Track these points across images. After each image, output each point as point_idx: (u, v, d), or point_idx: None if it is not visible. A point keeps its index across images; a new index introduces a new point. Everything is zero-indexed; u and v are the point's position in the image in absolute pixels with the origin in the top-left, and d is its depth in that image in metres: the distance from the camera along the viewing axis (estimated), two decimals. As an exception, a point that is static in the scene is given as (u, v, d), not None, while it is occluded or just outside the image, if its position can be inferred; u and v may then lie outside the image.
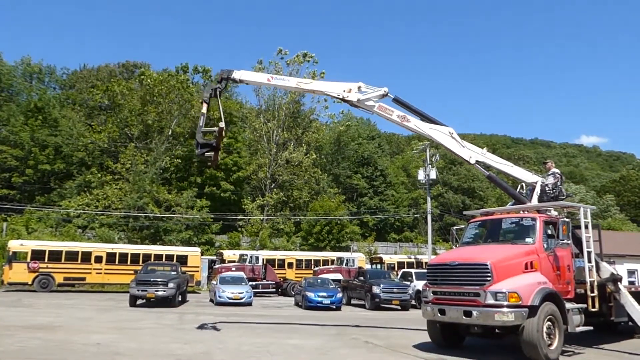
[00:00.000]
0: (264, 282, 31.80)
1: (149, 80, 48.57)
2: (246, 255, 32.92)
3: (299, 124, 54.35)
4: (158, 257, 31.59)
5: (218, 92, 14.00)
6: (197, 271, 33.82)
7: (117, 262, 31.25)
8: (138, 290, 21.12)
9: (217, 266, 32.99)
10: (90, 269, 30.63)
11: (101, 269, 30.87)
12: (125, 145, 47.83)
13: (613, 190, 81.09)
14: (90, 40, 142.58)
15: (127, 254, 31.96)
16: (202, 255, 36.48)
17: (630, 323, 12.10)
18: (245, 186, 53.26)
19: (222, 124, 13.14)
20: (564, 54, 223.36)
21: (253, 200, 49.22)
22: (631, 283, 32.38)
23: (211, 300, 25.02)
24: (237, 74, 14.10)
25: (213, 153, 13.67)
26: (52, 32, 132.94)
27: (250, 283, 26.90)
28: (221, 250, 37.97)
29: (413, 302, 23.11)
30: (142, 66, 60.29)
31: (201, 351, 10.19)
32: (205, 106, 14.08)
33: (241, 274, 27.58)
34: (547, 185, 12.45)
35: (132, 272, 26.78)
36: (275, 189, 50.68)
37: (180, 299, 22.75)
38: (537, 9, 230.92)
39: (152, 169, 45.18)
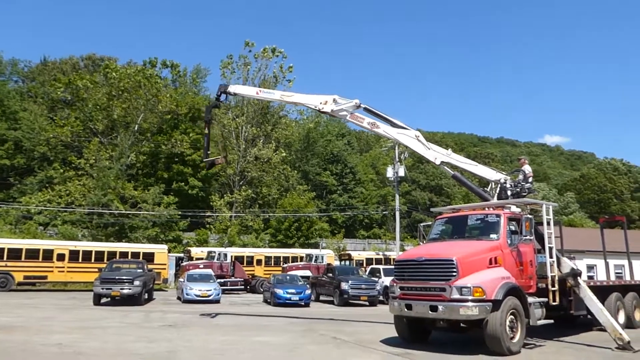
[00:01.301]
0: (233, 279, 31.59)
1: (114, 74, 47.49)
2: (214, 252, 32.64)
3: (268, 120, 54.10)
4: (123, 254, 30.91)
5: (217, 106, 16.68)
6: (164, 269, 33.28)
7: (80, 260, 30.43)
8: (102, 289, 20.63)
9: (184, 263, 32.58)
10: (52, 267, 29.74)
11: (64, 267, 30.01)
12: (89, 140, 46.68)
13: (574, 188, 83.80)
14: (54, 32, 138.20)
15: (90, 251, 31.19)
16: (169, 252, 35.95)
17: (588, 316, 12.47)
18: (213, 183, 52.75)
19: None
20: (529, 54, 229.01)
21: (221, 197, 48.77)
22: (590, 277, 33.50)
23: (178, 298, 24.69)
24: (231, 88, 16.25)
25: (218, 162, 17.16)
26: (14, 23, 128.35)
27: (219, 280, 26.69)
28: (189, 248, 37.56)
29: (381, 298, 23.30)
30: (108, 60, 58.84)
31: (167, 350, 10.03)
32: (206, 127, 16.26)
33: (209, 271, 27.31)
34: (506, 183, 12.90)
35: (97, 270, 26.19)
36: (244, 186, 50.35)
37: (146, 297, 22.37)
38: (502, 6, 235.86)
39: (117, 164, 44.22)
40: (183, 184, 49.11)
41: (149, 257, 31.27)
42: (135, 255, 30.94)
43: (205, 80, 66.64)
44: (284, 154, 51.99)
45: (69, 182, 42.90)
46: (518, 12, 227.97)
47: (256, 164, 50.86)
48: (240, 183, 50.81)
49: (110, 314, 17.30)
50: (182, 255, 37.32)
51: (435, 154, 13.56)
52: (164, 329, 13.44)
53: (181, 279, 26.31)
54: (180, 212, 44.30)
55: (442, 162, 13.57)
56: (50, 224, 40.52)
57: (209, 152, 16.46)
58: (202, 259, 32.57)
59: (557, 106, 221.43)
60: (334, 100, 14.02)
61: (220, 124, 53.40)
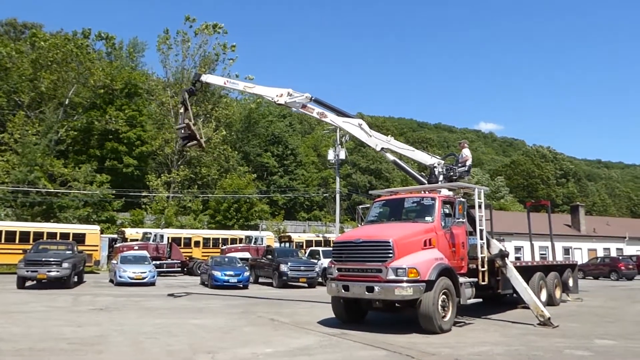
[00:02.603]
0: (169, 261, 30.88)
1: (42, 43, 44.49)
2: (150, 233, 31.72)
3: (208, 99, 52.80)
4: (52, 235, 29.38)
5: (192, 92, 17.22)
6: (96, 250, 31.95)
7: (3, 241, 28.70)
8: (27, 271, 19.52)
9: (118, 245, 31.46)
10: (-28, 248, 27.87)
11: (-16, 249, 28.18)
12: (13, 113, 43.56)
13: (505, 173, 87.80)
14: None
15: (15, 232, 29.46)
16: (102, 233, 34.55)
17: (514, 295, 13.20)
18: (150, 162, 51.03)
19: (187, 121, 16.45)
20: (466, 42, 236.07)
21: (159, 177, 47.28)
22: (518, 258, 35.47)
23: (111, 281, 23.86)
24: (204, 77, 17.42)
25: (195, 142, 16.82)
26: None
27: (154, 262, 26.00)
28: (123, 229, 36.21)
29: (320, 279, 23.55)
30: (34, 27, 55.00)
31: (96, 334, 9.63)
32: (182, 108, 16.81)
33: (144, 252, 26.51)
34: (437, 167, 13.56)
35: (21, 251, 24.73)
36: (182, 166, 49.04)
37: (76, 279, 21.42)
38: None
39: (45, 140, 41.69)
40: (117, 162, 47.12)
41: (80, 238, 29.88)
42: (65, 236, 29.46)
43: (143, 55, 63.75)
44: (224, 134, 50.98)
45: (-9, 158, 40.06)
46: (454, 4, 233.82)
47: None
48: (179, 163, 49.45)
49: (35, 297, 16.44)
50: (115, 236, 35.99)
51: (377, 141, 14.41)
52: (93, 313, 12.92)
53: (114, 261, 25.38)
54: (114, 192, 42.47)
55: (383, 149, 14.32)
56: (-30, 203, 37.80)
57: (186, 131, 16.68)
58: (137, 240, 31.56)
59: (492, 95, 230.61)
60: (289, 93, 14.94)
61: (158, 101, 51.55)
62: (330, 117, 14.93)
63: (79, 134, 46.79)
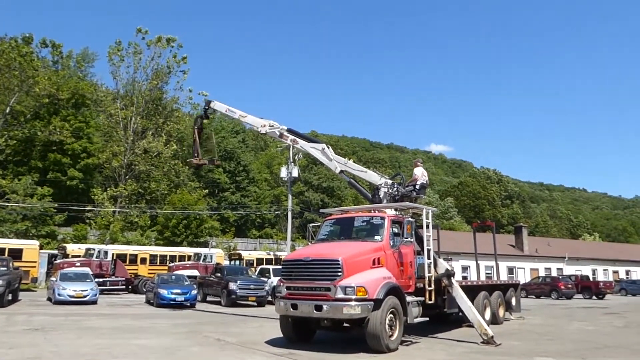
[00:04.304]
0: (113, 278, 29.73)
1: (-19, 49, 42.48)
2: (93, 249, 30.49)
3: (160, 112, 51.79)
4: (-15, 250, 27.73)
5: (206, 117, 20.10)
6: (34, 267, 30.42)
7: None
8: (-45, 289, 18.28)
9: (58, 261, 30.00)
10: None
11: None
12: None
13: (453, 194, 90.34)
14: None
15: (-57, 246, 27.61)
16: (41, 249, 32.93)
17: (460, 314, 13.47)
18: (96, 175, 49.32)
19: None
20: (416, 65, 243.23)
21: (105, 190, 45.65)
22: (464, 278, 36.42)
23: (49, 299, 22.70)
24: (212, 104, 19.30)
25: (205, 163, 20.78)
26: None
27: (97, 280, 24.97)
28: (64, 244, 34.61)
29: (270, 298, 23.27)
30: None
31: (31, 356, 9.09)
32: (196, 134, 19.61)
33: (86, 269, 25.45)
34: (381, 187, 13.97)
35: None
36: (130, 180, 47.61)
37: (10, 297, 20.25)
38: (400, 13, 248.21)
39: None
40: (61, 174, 45.23)
41: (17, 253, 28.41)
42: (0, 251, 27.90)
43: (93, 65, 61.75)
44: (175, 148, 50.01)
45: None
46: (410, 20, 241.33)
47: (145, 158, 48.35)
48: (127, 177, 48.00)
49: (-36, 317, 15.40)
50: (56, 252, 34.35)
51: (336, 164, 15.38)
52: (28, 333, 12.23)
53: (53, 278, 24.19)
54: (56, 205, 40.64)
55: (342, 171, 15.30)
56: None
57: (196, 156, 19.50)
58: (79, 256, 30.24)
59: (442, 117, 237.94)
60: (270, 124, 17.30)
61: (107, 113, 50.10)
62: (301, 144, 16.69)
63: (20, 144, 44.71)
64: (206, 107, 19.62)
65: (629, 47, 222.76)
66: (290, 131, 17.10)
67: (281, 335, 11.41)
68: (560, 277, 39.61)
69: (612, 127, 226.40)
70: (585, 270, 47.25)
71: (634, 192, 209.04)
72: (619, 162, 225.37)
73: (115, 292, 29.67)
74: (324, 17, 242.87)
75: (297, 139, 16.83)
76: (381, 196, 13.83)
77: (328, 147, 15.88)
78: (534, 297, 35.81)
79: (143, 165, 47.99)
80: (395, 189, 13.73)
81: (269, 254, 40.24)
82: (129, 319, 16.49)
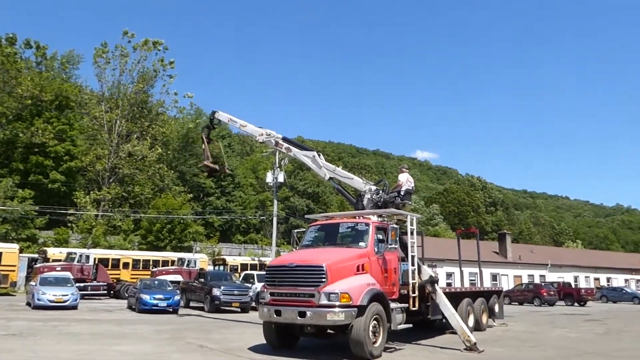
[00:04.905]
0: (94, 283, 29.31)
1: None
2: (75, 253, 30.01)
3: (145, 115, 51.37)
4: (-38, 254, 27.16)
5: (212, 127, 20.65)
6: (14, 271, 29.79)
7: None
8: None
9: (38, 265, 29.51)
10: None
11: None
12: None
13: (438, 201, 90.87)
14: None
15: None
16: (21, 252, 32.30)
17: (443, 320, 13.49)
18: (79, 178, 48.64)
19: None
20: (402, 71, 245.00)
21: (87, 194, 45.05)
22: (449, 284, 36.57)
23: (28, 304, 22.27)
24: (217, 114, 19.70)
25: (217, 172, 20.70)
26: None
27: (78, 284, 24.57)
28: (45, 248, 34.04)
29: (253, 304, 23.11)
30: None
31: (6, 363, 8.91)
32: (205, 141, 19.99)
33: (67, 274, 25.00)
34: (365, 193, 14.16)
35: None
36: (114, 183, 47.08)
37: (-12, 302, 19.84)
38: (387, 23, 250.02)
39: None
40: (42, 177, 44.56)
41: (-5, 257, 27.85)
42: (-22, 255, 27.36)
43: (78, 67, 61.00)
44: (160, 152, 49.60)
45: None
46: (395, 27, 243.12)
47: (129, 161, 47.87)
48: (110, 180, 47.46)
49: (-61, 322, 15.04)
50: (36, 256, 33.76)
51: (326, 171, 15.53)
52: (6, 339, 11.96)
53: (33, 283, 23.75)
54: (37, 208, 39.99)
55: (331, 178, 15.46)
56: None
57: (209, 161, 19.58)
58: (60, 260, 29.75)
59: (428, 124, 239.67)
60: (267, 133, 17.75)
61: (91, 115, 49.57)
62: (294, 152, 17.08)
63: (1, 146, 44.03)
64: (211, 117, 20.20)
65: (610, 55, 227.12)
66: (285, 139, 17.66)
67: (264, 341, 11.33)
68: (543, 284, 39.98)
69: (594, 136, 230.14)
70: (568, 277, 47.82)
71: (615, 200, 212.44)
72: (600, 171, 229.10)
73: (97, 297, 29.27)
74: (310, 23, 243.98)
75: (291, 147, 17.32)
76: (365, 203, 13.92)
77: (319, 155, 16.04)
78: (517, 303, 36.10)
79: (127, 169, 47.50)
80: (379, 195, 13.76)
81: (254, 260, 39.99)
82: (110, 324, 16.24)
